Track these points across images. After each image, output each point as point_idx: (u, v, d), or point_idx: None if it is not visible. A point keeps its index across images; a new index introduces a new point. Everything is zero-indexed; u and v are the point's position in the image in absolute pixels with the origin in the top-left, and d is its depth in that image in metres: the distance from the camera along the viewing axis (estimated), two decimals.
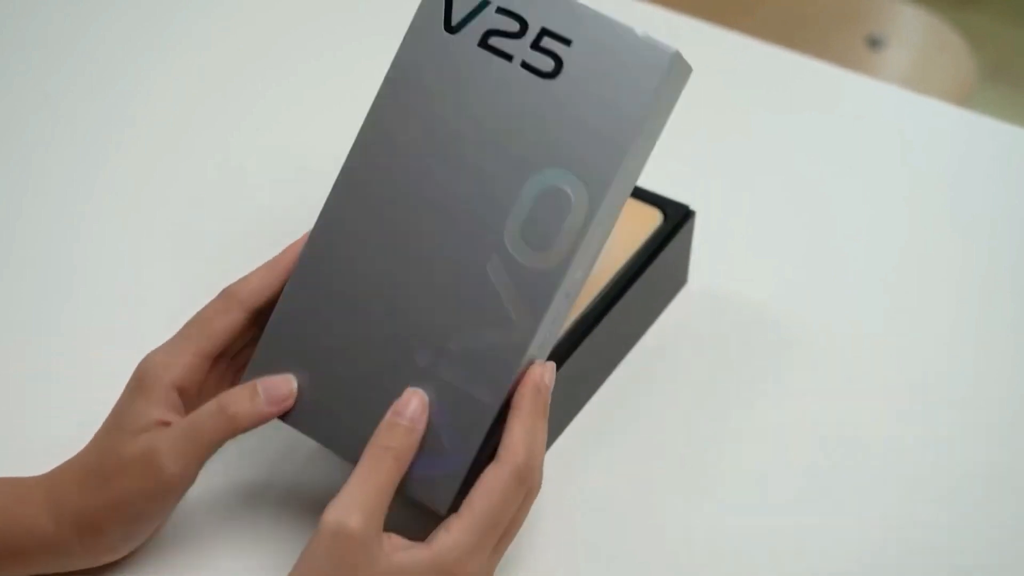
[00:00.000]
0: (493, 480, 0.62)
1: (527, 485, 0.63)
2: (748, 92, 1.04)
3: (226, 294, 0.68)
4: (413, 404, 0.64)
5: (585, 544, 0.72)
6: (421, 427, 0.64)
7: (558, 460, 0.75)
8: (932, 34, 1.52)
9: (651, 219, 0.82)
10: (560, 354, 0.74)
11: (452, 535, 0.61)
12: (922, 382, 0.82)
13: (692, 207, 0.82)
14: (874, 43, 1.51)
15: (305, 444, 0.73)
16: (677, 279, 0.85)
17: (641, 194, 0.83)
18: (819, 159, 0.98)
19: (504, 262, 0.64)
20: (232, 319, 0.67)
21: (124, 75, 1.05)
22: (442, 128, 0.65)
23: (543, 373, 0.65)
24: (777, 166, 0.97)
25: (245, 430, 0.65)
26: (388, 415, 0.63)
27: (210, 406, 0.64)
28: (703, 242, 0.86)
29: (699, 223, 0.84)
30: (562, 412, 0.77)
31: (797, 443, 0.77)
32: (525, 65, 0.64)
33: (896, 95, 1.07)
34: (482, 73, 0.65)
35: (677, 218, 0.82)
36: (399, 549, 0.61)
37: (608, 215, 0.65)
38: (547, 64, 0.64)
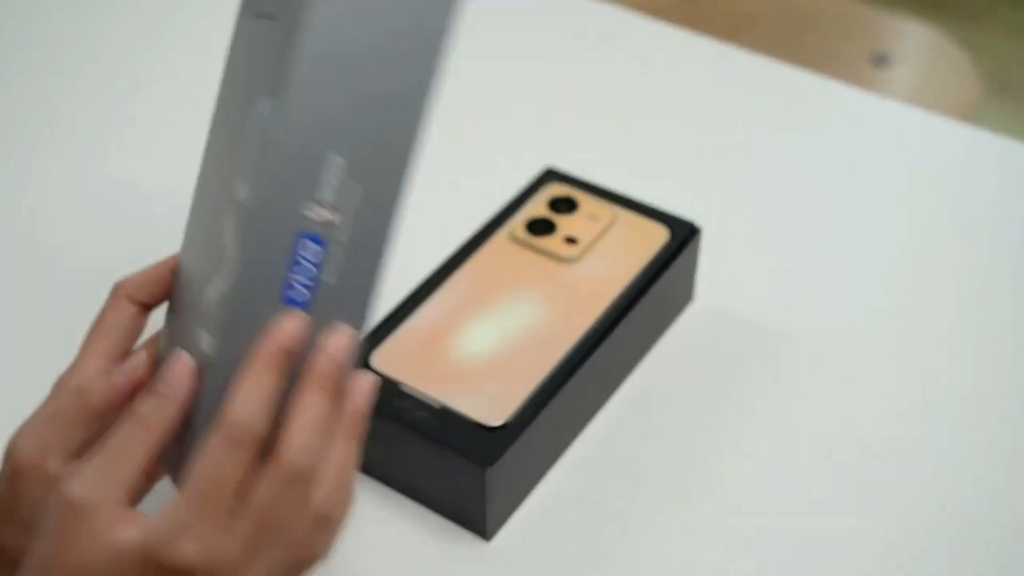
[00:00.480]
0: (206, 445, 0.54)
1: (247, 450, 0.54)
2: (753, 108, 1.04)
3: (112, 289, 0.63)
4: (173, 370, 0.57)
5: (592, 555, 0.72)
6: (179, 395, 0.56)
7: (566, 472, 0.76)
8: (937, 51, 1.52)
9: (657, 236, 0.81)
10: (568, 369, 0.74)
11: (164, 512, 0.54)
12: (927, 400, 0.81)
13: (698, 224, 0.82)
14: (879, 59, 1.51)
15: None
16: (683, 295, 0.85)
17: (647, 211, 0.83)
18: (825, 175, 0.98)
19: (232, 202, 0.56)
20: (121, 313, 0.62)
21: (124, 75, 1.04)
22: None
23: (293, 327, 0.56)
24: (782, 182, 0.97)
25: (100, 408, 0.59)
26: (153, 380, 0.57)
27: (122, 424, 0.58)
28: (709, 259, 0.85)
29: (705, 240, 0.83)
30: (570, 426, 0.76)
31: (804, 457, 0.77)
32: None
33: (901, 111, 1.07)
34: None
35: (683, 235, 0.81)
36: (118, 524, 0.54)
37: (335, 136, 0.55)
38: None
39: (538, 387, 0.73)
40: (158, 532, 0.53)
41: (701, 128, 1.00)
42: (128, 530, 0.53)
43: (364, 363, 0.74)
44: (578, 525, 0.74)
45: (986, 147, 1.02)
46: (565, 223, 0.82)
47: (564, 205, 0.83)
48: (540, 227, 0.82)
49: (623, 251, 0.80)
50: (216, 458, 0.54)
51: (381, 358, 0.74)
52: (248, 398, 0.55)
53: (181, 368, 0.57)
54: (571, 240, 0.81)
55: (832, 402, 0.81)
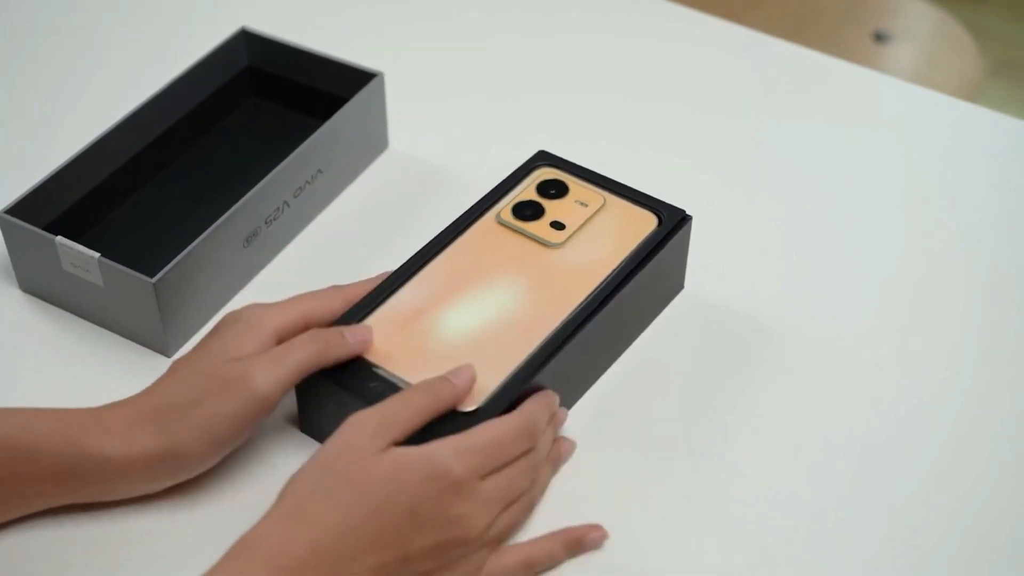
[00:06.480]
0: (505, 423, 0.69)
1: (530, 442, 0.69)
2: (753, 87, 1.02)
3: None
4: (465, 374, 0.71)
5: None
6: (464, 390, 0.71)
7: None
8: (939, 30, 1.51)
9: (646, 223, 0.80)
10: (544, 356, 0.73)
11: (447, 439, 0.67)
12: (920, 382, 0.80)
13: (689, 211, 0.81)
14: (881, 38, 1.50)
15: None
16: (673, 284, 0.84)
17: (638, 197, 0.81)
18: (823, 157, 0.96)
19: None
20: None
21: (123, 74, 1.03)
22: None
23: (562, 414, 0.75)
24: (779, 165, 0.96)
25: (332, 359, 0.71)
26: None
27: (302, 335, 0.72)
28: (701, 246, 0.84)
29: (697, 227, 0.82)
30: None
31: (795, 447, 0.76)
32: None
33: (902, 90, 1.05)
34: None
35: (673, 222, 0.80)
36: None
37: None
38: None
39: (513, 373, 0.72)
40: (438, 448, 0.66)
41: (697, 108, 0.99)
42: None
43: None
44: (554, 512, 0.72)
45: (988, 125, 1.00)
46: (553, 208, 0.81)
47: (554, 189, 0.82)
48: (527, 211, 0.80)
49: (610, 237, 0.79)
50: (508, 433, 0.68)
51: None
52: (537, 409, 0.71)
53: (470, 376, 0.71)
54: (558, 225, 0.80)
55: (825, 392, 0.80)
